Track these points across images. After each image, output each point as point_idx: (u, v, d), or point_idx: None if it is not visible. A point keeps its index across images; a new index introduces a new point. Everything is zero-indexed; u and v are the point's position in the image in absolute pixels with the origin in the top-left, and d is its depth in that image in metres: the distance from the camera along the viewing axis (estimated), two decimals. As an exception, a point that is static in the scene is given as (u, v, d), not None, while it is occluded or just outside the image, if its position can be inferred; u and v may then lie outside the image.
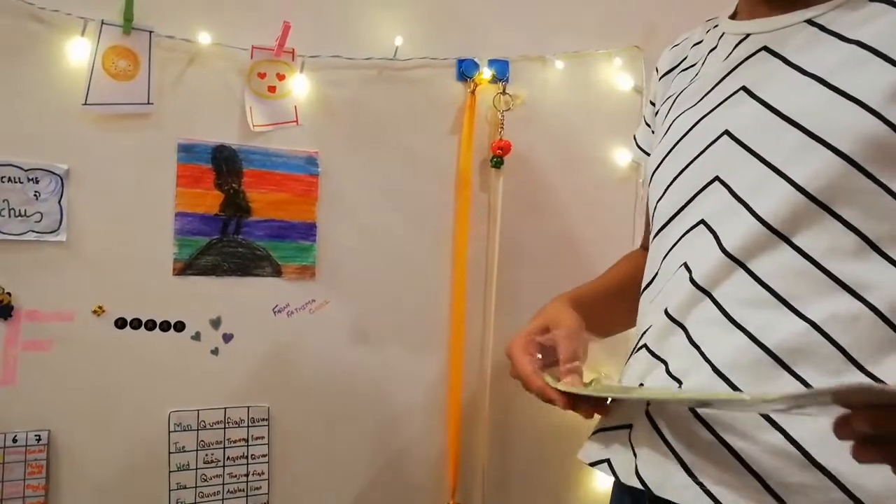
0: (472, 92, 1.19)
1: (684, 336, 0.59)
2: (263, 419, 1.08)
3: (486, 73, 1.18)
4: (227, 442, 1.05)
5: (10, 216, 0.93)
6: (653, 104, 0.83)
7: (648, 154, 0.81)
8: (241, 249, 1.06)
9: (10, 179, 0.93)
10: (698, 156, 0.63)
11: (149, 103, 1.00)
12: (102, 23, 0.97)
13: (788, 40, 0.57)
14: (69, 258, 0.97)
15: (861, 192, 0.51)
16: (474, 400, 1.20)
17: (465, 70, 1.19)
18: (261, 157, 1.07)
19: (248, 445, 1.06)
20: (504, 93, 1.19)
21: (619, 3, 1.26)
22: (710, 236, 0.59)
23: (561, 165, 1.24)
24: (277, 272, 1.09)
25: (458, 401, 1.17)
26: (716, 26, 0.71)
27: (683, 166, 0.64)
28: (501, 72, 1.19)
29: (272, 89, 1.07)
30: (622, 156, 1.26)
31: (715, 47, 0.68)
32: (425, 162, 1.18)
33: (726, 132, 0.59)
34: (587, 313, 0.74)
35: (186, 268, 1.03)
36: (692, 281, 0.59)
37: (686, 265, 0.61)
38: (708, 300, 0.58)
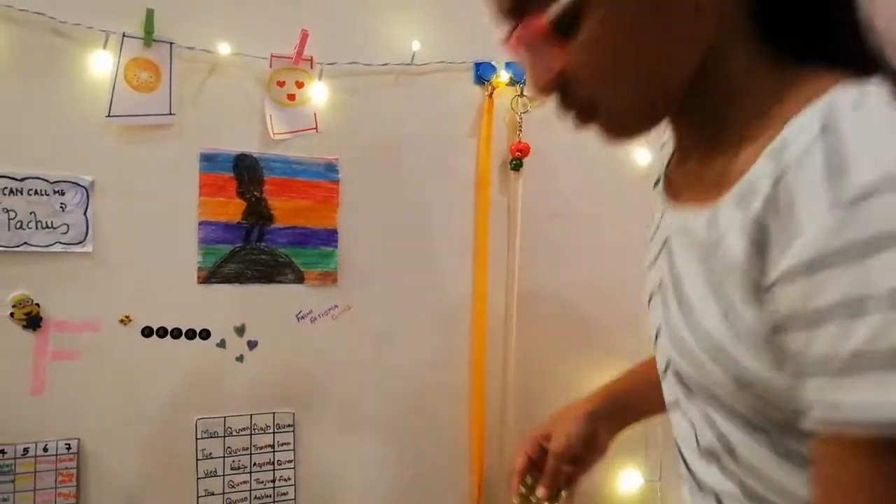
0: (490, 95, 1.19)
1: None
2: (289, 425, 1.08)
3: (504, 75, 1.18)
4: (253, 448, 1.06)
5: (37, 228, 0.95)
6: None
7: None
8: (264, 257, 1.07)
9: (36, 192, 0.95)
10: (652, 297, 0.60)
11: (171, 114, 1.01)
12: (124, 35, 0.98)
13: (676, 247, 0.53)
14: (95, 269, 0.98)
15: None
16: (498, 403, 1.20)
17: (483, 73, 1.19)
18: (282, 165, 1.08)
19: (274, 451, 1.07)
20: (522, 95, 1.19)
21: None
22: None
23: (580, 166, 1.23)
24: (300, 279, 1.09)
25: (482, 403, 1.17)
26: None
27: (649, 296, 0.62)
28: (519, 74, 1.19)
29: (291, 97, 1.08)
30: (641, 155, 1.26)
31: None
32: (444, 166, 1.18)
33: (660, 287, 0.56)
34: (625, 402, 0.75)
35: (210, 276, 1.04)
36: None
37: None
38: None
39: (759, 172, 0.41)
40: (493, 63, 1.19)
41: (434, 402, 1.18)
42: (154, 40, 0.99)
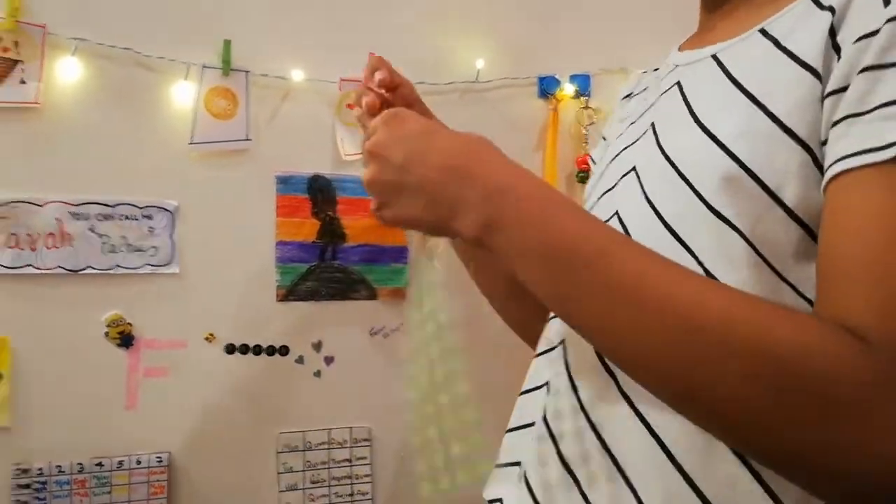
0: (555, 108, 1.19)
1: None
2: (365, 439, 1.10)
3: (568, 88, 1.19)
4: (331, 462, 1.08)
5: (128, 251, 1.00)
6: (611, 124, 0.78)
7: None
8: (338, 274, 1.10)
9: (127, 217, 1.00)
10: (609, 190, 0.60)
11: (247, 139, 1.05)
12: (203, 66, 1.03)
13: (693, 76, 0.55)
14: (182, 289, 1.02)
15: (707, 225, 0.48)
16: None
17: (547, 87, 1.20)
18: (353, 185, 1.11)
19: (351, 466, 1.09)
20: (586, 107, 1.19)
21: (697, 14, 1.24)
22: None
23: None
24: (373, 295, 1.12)
25: (555, 418, 1.16)
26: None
27: (598, 196, 0.62)
28: (583, 87, 1.19)
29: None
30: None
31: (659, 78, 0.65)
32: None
33: (633, 169, 0.57)
34: None
35: (288, 294, 1.07)
36: None
37: None
38: None
39: None
40: (556, 77, 1.20)
41: (507, 412, 1.18)
42: (231, 69, 1.04)
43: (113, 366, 0.99)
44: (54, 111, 0.97)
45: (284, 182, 1.08)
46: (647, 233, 0.50)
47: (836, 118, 0.42)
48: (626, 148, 0.60)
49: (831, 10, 0.44)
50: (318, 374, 1.09)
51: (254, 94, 1.06)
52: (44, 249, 0.96)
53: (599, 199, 0.61)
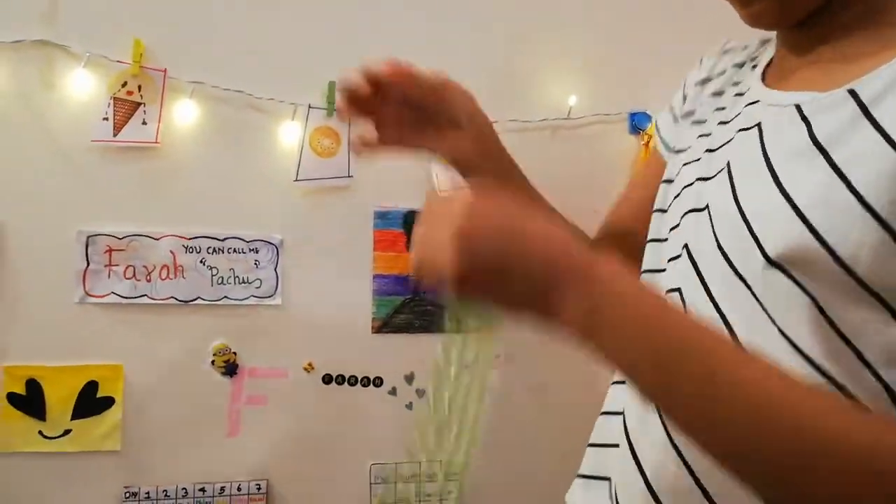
0: (646, 144, 1.19)
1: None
2: (455, 474, 1.10)
3: (661, 125, 1.18)
4: (422, 496, 1.08)
5: (235, 283, 1.04)
6: (683, 100, 0.76)
7: (666, 145, 0.76)
8: (430, 308, 1.12)
9: (235, 251, 1.05)
10: (682, 218, 0.60)
11: (349, 176, 1.09)
12: (309, 107, 1.08)
13: (774, 123, 0.53)
14: (283, 320, 1.06)
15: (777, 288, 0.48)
16: (663, 458, 1.16)
17: (638, 123, 1.20)
18: (446, 220, 1.13)
19: (441, 501, 1.09)
20: (679, 143, 1.18)
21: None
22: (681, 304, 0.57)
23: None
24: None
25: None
26: (754, 66, 0.65)
27: (671, 226, 0.61)
28: (676, 123, 1.18)
29: (455, 155, 1.13)
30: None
31: (740, 93, 0.64)
32: (600, 217, 1.19)
33: (707, 209, 0.56)
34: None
35: (383, 326, 1.10)
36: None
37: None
38: None
39: None
40: (647, 112, 1.20)
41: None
42: (335, 110, 1.08)
43: (217, 393, 1.03)
44: (172, 150, 1.03)
45: (382, 217, 1.11)
46: (722, 280, 0.51)
47: None
48: (700, 179, 0.59)
49: None
50: (409, 406, 1.10)
51: (355, 133, 1.09)
52: (158, 280, 1.02)
53: (672, 229, 0.61)
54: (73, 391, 0.98)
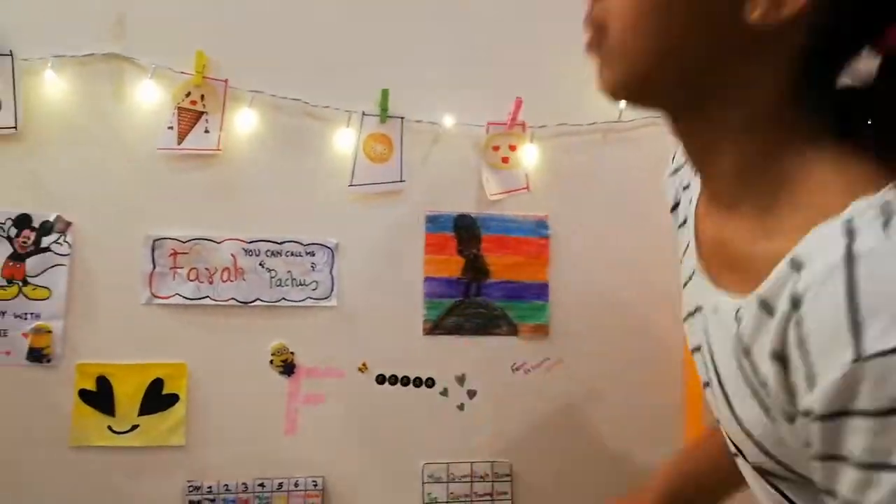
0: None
1: None
2: (506, 475, 1.12)
3: (711, 127, 1.18)
4: (474, 496, 1.10)
5: (293, 285, 1.08)
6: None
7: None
8: (481, 310, 1.13)
9: (293, 254, 1.08)
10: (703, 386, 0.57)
11: (401, 181, 1.12)
12: (363, 114, 1.11)
13: (715, 333, 0.49)
14: (339, 321, 1.09)
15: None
16: (715, 462, 1.15)
17: (688, 127, 1.19)
18: (496, 223, 1.15)
19: (492, 500, 1.10)
20: (730, 146, 1.18)
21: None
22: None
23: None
24: (514, 331, 1.14)
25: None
26: (687, 190, 0.60)
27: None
28: (727, 125, 1.18)
29: (505, 160, 1.15)
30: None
31: (687, 246, 0.58)
32: (652, 220, 1.19)
33: (722, 389, 0.51)
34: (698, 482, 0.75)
35: (434, 328, 1.12)
36: None
37: None
38: None
39: (779, 281, 0.39)
40: (697, 116, 1.19)
41: (648, 454, 1.16)
42: (388, 117, 1.11)
43: (276, 392, 1.06)
44: (232, 157, 1.07)
45: (433, 221, 1.13)
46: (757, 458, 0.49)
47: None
48: (695, 350, 0.55)
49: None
50: (461, 407, 1.12)
51: (407, 139, 1.12)
52: (220, 282, 1.05)
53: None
54: (140, 388, 1.02)
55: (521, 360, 1.14)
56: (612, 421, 1.16)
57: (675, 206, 0.64)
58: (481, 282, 1.14)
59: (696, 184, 0.56)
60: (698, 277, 0.52)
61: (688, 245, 0.56)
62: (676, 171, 0.65)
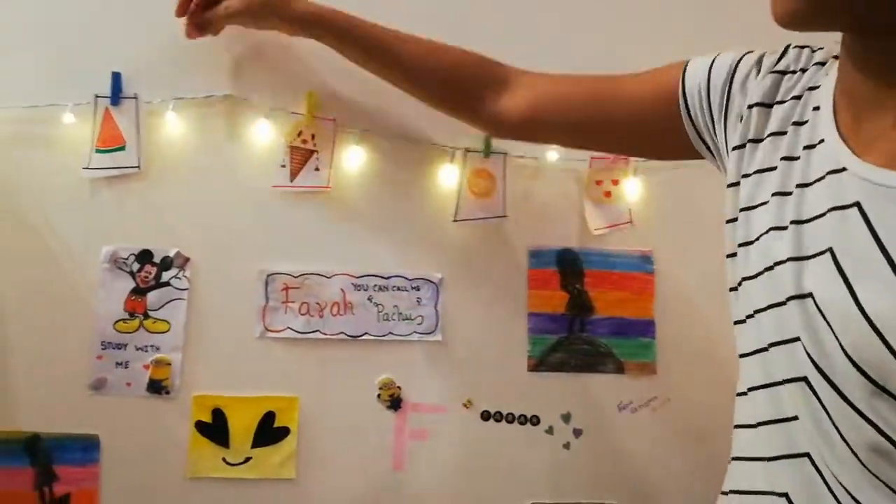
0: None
1: None
2: (613, 516, 1.09)
3: (822, 160, 1.15)
4: (581, 537, 1.07)
5: (399, 319, 1.08)
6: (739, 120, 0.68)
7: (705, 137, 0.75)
8: (586, 346, 1.12)
9: (398, 288, 1.09)
10: (778, 305, 0.56)
11: (504, 216, 1.12)
12: (466, 150, 1.12)
13: (881, 211, 0.47)
14: (444, 356, 1.09)
15: None
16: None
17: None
18: (600, 258, 1.14)
19: (600, 542, 1.08)
20: (842, 178, 1.14)
21: None
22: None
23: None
24: (620, 369, 1.12)
25: None
26: (816, 106, 0.59)
27: (757, 308, 0.59)
28: (838, 157, 1.15)
29: (608, 194, 1.15)
30: None
31: (810, 144, 0.57)
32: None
33: (820, 312, 0.51)
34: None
35: (539, 364, 1.10)
36: None
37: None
38: None
39: None
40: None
41: None
42: (491, 152, 1.12)
43: (383, 427, 1.06)
44: (341, 194, 1.10)
45: (536, 256, 1.13)
46: (862, 394, 0.48)
47: None
48: (792, 259, 0.54)
49: None
50: (567, 445, 1.10)
51: (509, 174, 1.13)
52: (329, 317, 1.07)
53: (762, 310, 0.57)
54: (253, 420, 1.04)
55: (628, 398, 1.12)
56: (722, 462, 1.12)
57: (779, 102, 0.64)
58: (586, 318, 1.12)
59: (828, 82, 0.58)
60: (851, 159, 0.51)
61: (818, 140, 0.56)
62: (785, 72, 0.66)
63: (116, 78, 1.05)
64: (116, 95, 1.05)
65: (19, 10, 1.06)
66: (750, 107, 0.66)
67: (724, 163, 0.72)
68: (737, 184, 0.67)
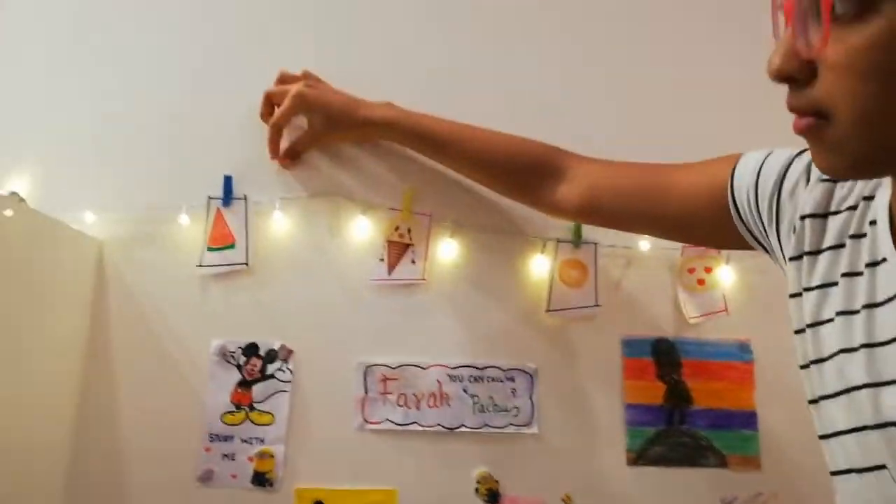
0: None
1: None
2: None
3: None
4: None
5: (494, 411, 1.09)
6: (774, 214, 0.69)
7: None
8: (686, 439, 1.09)
9: (493, 379, 1.10)
10: (867, 428, 0.52)
11: (596, 305, 1.12)
12: (558, 241, 1.14)
13: None
14: (540, 449, 1.08)
15: None
16: None
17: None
18: (696, 348, 1.12)
19: None
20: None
21: None
22: None
23: None
24: (722, 462, 1.09)
25: None
26: (872, 220, 0.57)
27: (849, 429, 0.56)
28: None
29: (701, 282, 1.14)
30: None
31: (874, 261, 0.55)
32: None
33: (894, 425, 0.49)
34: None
35: (638, 458, 1.08)
36: None
37: None
38: None
39: None
40: None
41: None
42: (582, 242, 1.14)
43: (481, 522, 1.05)
44: (435, 285, 1.13)
45: (630, 345, 1.12)
46: None
47: None
48: (865, 386, 0.52)
49: None
50: (672, 544, 1.06)
51: (601, 264, 1.14)
52: (426, 408, 1.08)
53: (845, 433, 0.55)
54: (354, 514, 1.04)
55: (732, 494, 1.08)
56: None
57: (834, 213, 0.62)
58: (685, 409, 1.10)
59: (883, 192, 0.56)
60: None
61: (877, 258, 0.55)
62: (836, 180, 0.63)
63: (228, 181, 1.13)
64: (228, 197, 1.12)
65: (141, 124, 1.16)
66: (802, 217, 0.64)
67: (779, 262, 0.72)
68: (799, 294, 0.64)
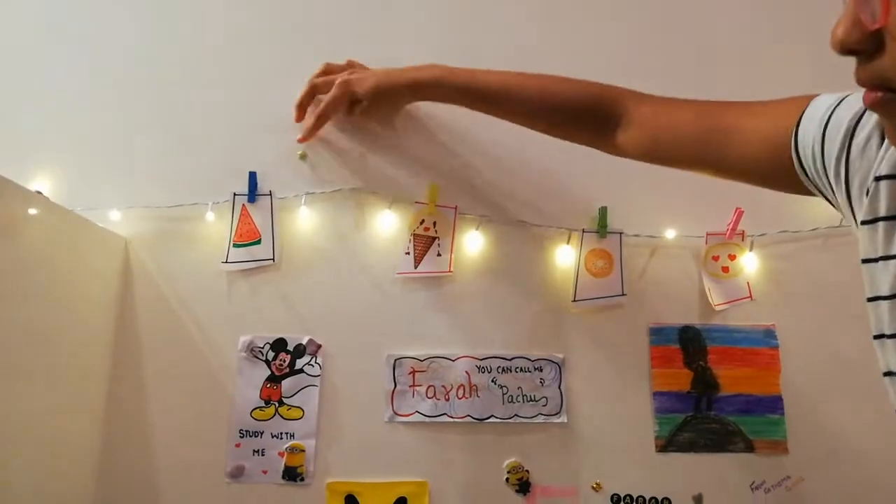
0: None
1: None
2: None
3: (947, 228, 1.13)
4: None
5: (523, 401, 1.09)
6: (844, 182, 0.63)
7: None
8: (714, 425, 1.10)
9: (521, 370, 1.10)
10: None
11: (622, 294, 1.13)
12: (583, 231, 1.14)
13: None
14: (570, 438, 1.09)
15: None
16: None
17: (917, 228, 1.15)
18: (722, 334, 1.13)
19: None
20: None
21: None
22: None
23: None
24: (750, 447, 1.09)
25: None
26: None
27: None
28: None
29: (726, 270, 1.15)
30: None
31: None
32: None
33: None
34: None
35: (667, 444, 1.09)
36: None
37: None
38: None
39: None
40: (925, 216, 1.15)
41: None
42: (607, 232, 1.14)
43: (513, 511, 1.06)
44: (462, 277, 1.13)
45: (657, 333, 1.13)
46: None
47: None
48: None
49: None
50: (701, 529, 1.07)
51: (626, 253, 1.14)
52: (455, 399, 1.09)
53: None
54: (386, 506, 1.05)
55: (760, 478, 1.09)
56: (867, 548, 1.07)
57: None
58: (712, 395, 1.11)
59: None
60: None
61: None
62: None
63: (252, 177, 1.13)
64: (253, 193, 1.12)
65: (166, 122, 1.16)
66: (878, 178, 0.60)
67: (842, 210, 0.67)
68: (874, 261, 0.61)
